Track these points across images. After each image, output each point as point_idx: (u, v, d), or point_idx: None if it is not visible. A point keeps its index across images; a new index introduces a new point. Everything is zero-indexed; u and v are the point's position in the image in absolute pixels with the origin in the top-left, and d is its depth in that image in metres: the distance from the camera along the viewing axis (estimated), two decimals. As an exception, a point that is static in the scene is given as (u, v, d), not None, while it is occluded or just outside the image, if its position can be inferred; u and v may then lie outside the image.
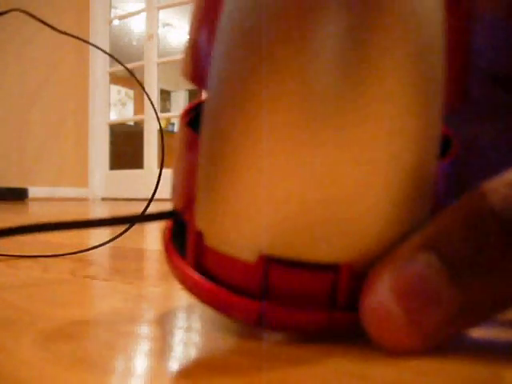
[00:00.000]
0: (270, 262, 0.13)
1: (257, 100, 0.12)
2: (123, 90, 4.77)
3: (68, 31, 0.36)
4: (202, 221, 0.14)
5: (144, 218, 0.19)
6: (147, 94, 0.35)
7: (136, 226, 0.65)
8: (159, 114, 2.56)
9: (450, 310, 0.12)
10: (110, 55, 0.37)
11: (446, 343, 0.13)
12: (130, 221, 0.20)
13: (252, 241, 0.13)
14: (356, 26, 0.12)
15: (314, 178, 0.12)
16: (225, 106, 0.13)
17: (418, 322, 0.13)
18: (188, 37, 0.16)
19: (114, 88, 4.48)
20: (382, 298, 0.13)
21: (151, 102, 0.36)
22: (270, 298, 0.14)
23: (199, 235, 0.15)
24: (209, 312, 0.18)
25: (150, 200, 0.32)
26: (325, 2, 0.12)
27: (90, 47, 2.63)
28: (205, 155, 0.14)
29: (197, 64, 0.15)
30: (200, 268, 0.15)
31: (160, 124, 0.36)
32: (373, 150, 0.12)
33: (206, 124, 0.14)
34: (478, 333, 0.15)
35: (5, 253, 0.34)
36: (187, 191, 0.15)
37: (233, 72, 0.13)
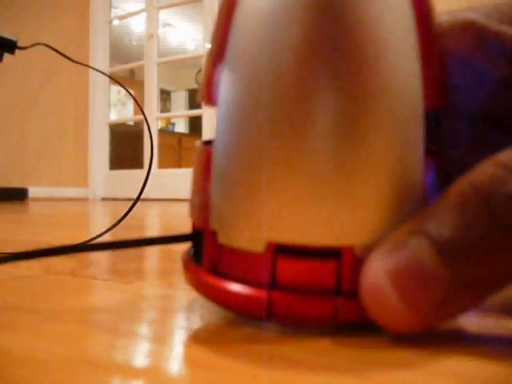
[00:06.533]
0: (277, 252, 0.15)
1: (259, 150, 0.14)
2: (123, 90, 4.76)
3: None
4: (215, 222, 0.16)
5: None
6: (148, 125, 0.35)
7: (135, 226, 0.65)
8: (159, 114, 2.55)
9: (442, 289, 0.13)
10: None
11: (445, 324, 0.14)
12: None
13: (259, 231, 0.15)
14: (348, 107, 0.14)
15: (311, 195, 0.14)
16: (232, 141, 0.15)
17: (411, 303, 0.13)
18: (204, 69, 0.18)
19: (114, 88, 4.48)
20: (377, 280, 0.13)
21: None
22: (278, 289, 0.15)
23: (214, 234, 0.16)
24: (209, 312, 0.18)
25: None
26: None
27: (90, 47, 2.63)
28: (217, 170, 0.16)
29: (210, 92, 0.17)
30: (215, 271, 0.16)
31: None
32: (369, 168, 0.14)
33: (219, 145, 0.16)
34: (479, 331, 0.15)
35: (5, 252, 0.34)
36: (204, 202, 0.17)
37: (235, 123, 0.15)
